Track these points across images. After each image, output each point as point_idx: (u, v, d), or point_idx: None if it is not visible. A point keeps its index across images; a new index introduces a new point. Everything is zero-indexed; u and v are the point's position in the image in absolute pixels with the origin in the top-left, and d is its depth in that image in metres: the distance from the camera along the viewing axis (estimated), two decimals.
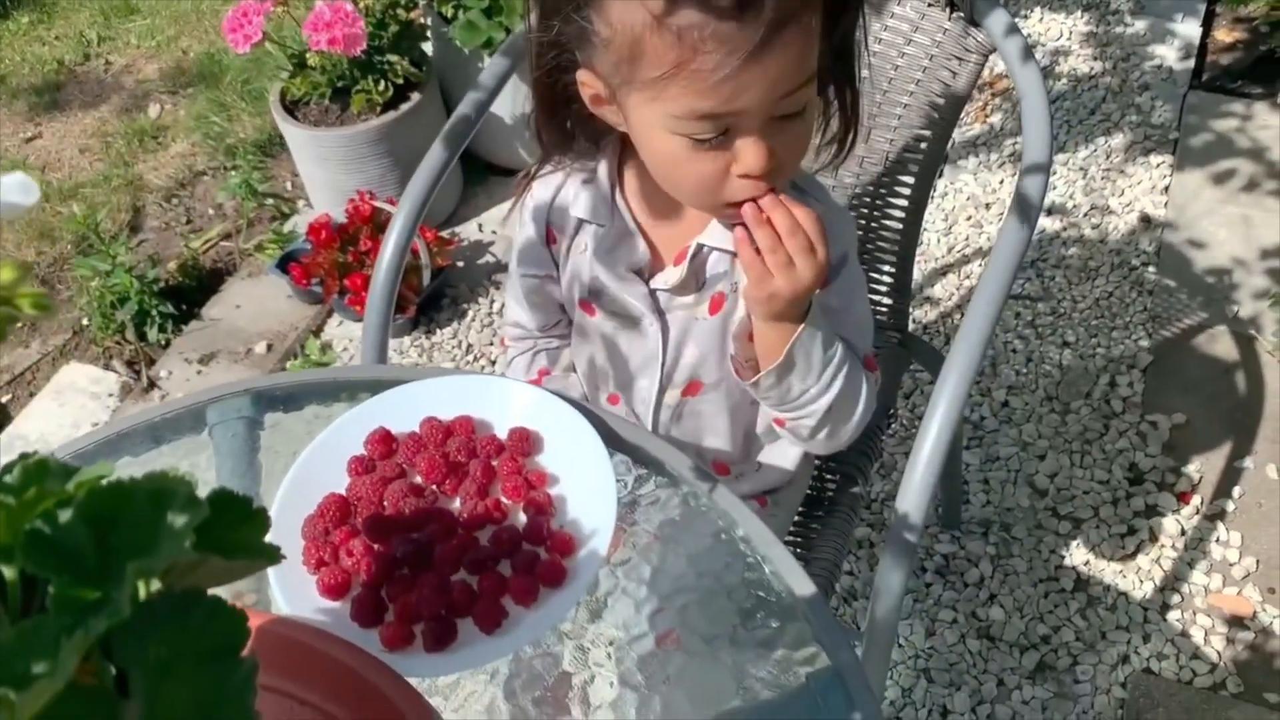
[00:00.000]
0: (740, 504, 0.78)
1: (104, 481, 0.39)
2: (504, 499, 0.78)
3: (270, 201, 2.45)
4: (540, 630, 0.71)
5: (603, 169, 1.01)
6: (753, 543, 0.77)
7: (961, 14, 1.20)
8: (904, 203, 1.32)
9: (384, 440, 0.82)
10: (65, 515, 0.38)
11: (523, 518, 0.76)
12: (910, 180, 1.30)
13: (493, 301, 2.20)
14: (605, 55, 0.82)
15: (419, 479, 0.80)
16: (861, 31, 0.90)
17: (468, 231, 2.34)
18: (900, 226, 1.33)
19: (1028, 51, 1.15)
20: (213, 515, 0.40)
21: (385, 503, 0.77)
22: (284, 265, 2.18)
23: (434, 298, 2.18)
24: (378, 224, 2.12)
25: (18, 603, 0.40)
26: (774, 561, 0.76)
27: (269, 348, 2.16)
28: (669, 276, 1.01)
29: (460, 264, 2.26)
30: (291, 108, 2.22)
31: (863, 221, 1.35)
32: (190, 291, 2.29)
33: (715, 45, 0.76)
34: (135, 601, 0.38)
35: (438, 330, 2.16)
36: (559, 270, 1.09)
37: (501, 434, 0.82)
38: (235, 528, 0.42)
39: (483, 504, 0.77)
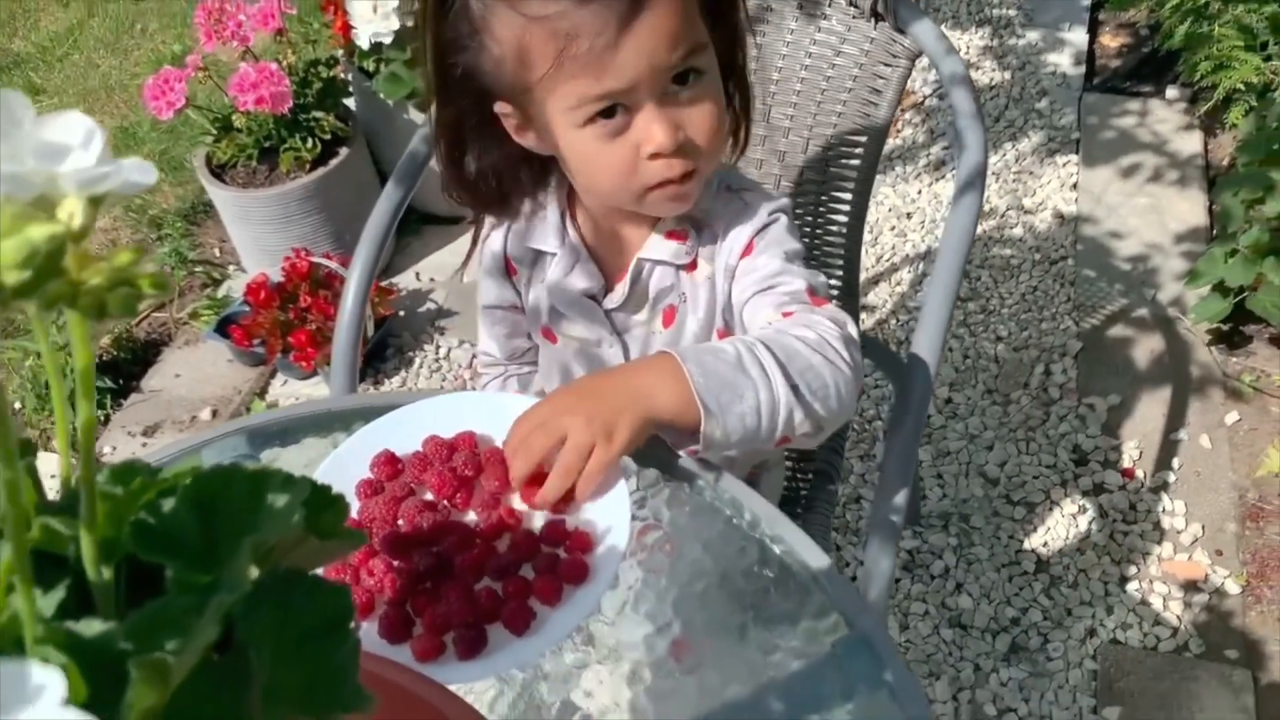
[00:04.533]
0: (746, 488, 0.81)
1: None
2: (517, 506, 0.79)
3: (200, 269, 2.42)
4: (569, 627, 0.72)
5: (553, 198, 1.04)
6: (762, 524, 0.79)
7: (886, 23, 1.27)
8: (846, 207, 1.37)
9: (389, 462, 0.82)
10: (168, 504, 0.39)
11: (539, 522, 0.78)
12: (850, 185, 1.35)
13: (438, 348, 2.20)
14: (504, 73, 0.86)
15: (430, 495, 0.80)
16: (746, 20, 0.94)
17: (405, 281, 2.34)
18: (844, 230, 1.38)
19: (950, 49, 1.23)
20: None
21: (400, 521, 0.78)
22: (222, 330, 2.16)
23: (378, 348, 2.18)
24: (316, 280, 2.11)
25: (121, 598, 0.40)
26: (785, 540, 0.78)
27: (214, 413, 2.13)
28: (616, 295, 1.03)
29: (402, 313, 2.26)
30: (218, 171, 2.21)
31: (808, 229, 1.40)
32: (126, 365, 2.25)
33: (585, 27, 0.80)
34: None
35: (385, 380, 2.16)
36: (522, 300, 1.11)
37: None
38: (322, 512, 0.43)
39: (497, 513, 0.78)
